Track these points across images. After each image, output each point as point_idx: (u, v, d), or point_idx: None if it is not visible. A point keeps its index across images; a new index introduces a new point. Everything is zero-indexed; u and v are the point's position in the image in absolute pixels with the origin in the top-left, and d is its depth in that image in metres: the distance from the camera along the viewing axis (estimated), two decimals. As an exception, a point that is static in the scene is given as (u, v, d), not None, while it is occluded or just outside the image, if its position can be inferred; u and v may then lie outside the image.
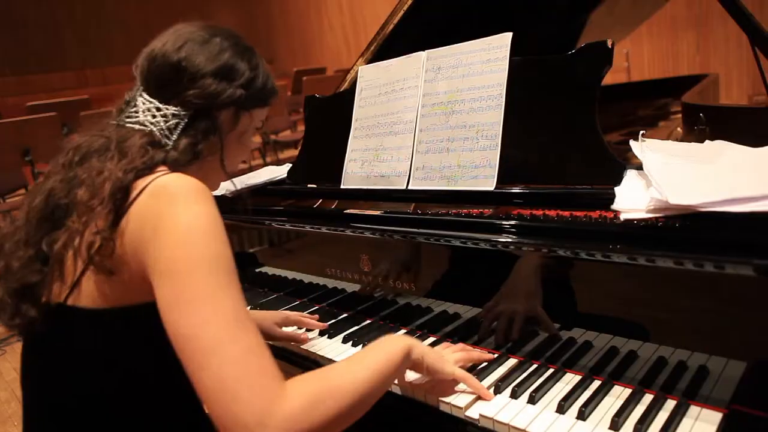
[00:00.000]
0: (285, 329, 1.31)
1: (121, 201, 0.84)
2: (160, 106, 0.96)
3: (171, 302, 0.77)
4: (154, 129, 0.94)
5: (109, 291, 0.85)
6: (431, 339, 1.18)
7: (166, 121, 0.95)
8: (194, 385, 0.74)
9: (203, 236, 0.79)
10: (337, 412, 0.75)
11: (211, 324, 0.74)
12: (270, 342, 1.27)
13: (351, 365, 0.84)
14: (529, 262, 1.02)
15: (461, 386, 0.98)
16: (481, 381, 0.98)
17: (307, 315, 1.36)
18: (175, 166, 0.92)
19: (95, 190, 0.86)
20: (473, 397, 0.95)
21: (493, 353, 1.07)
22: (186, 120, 0.96)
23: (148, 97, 0.97)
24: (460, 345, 1.08)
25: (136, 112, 0.96)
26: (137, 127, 0.95)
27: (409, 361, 0.93)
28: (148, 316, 0.80)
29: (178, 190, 0.83)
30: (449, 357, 1.00)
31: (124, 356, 0.89)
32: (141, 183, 0.86)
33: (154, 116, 0.95)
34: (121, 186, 0.85)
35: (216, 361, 0.72)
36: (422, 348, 0.95)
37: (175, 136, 0.95)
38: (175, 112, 0.95)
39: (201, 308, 0.75)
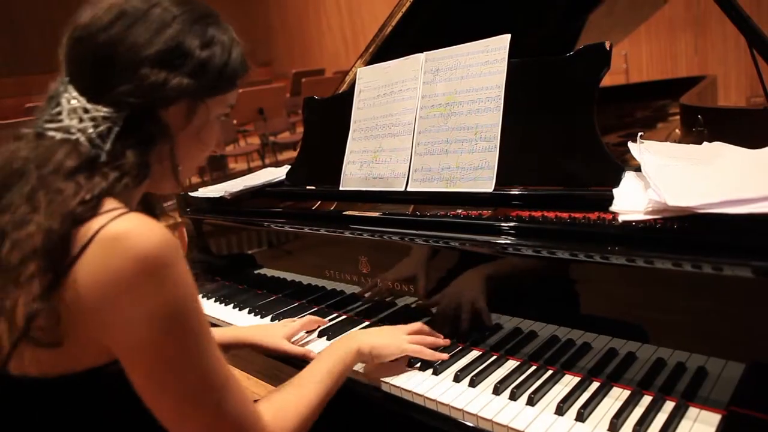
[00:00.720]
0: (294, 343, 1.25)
1: (59, 259, 0.66)
2: (88, 106, 0.73)
3: (155, 384, 0.71)
4: (81, 137, 0.72)
5: (54, 356, 0.69)
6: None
7: (95, 126, 0.73)
8: None
9: (181, 314, 0.69)
10: (307, 422, 0.87)
11: (205, 394, 0.73)
12: (275, 356, 1.25)
13: (313, 379, 0.93)
14: (527, 263, 1.01)
15: (459, 388, 0.98)
16: (480, 382, 0.99)
17: (307, 319, 1.31)
18: (124, 195, 0.74)
19: (22, 249, 0.66)
20: (472, 398, 0.95)
21: (493, 354, 1.07)
22: (120, 124, 0.73)
23: (74, 93, 0.74)
24: (418, 325, 1.13)
25: (60, 113, 0.74)
26: (59, 135, 0.73)
27: (360, 358, 1.04)
28: (108, 381, 0.72)
29: (145, 252, 0.66)
30: (399, 334, 1.09)
31: (91, 427, 0.76)
32: (84, 231, 0.67)
33: (81, 119, 0.73)
34: (57, 240, 0.66)
35: (216, 426, 0.74)
36: (369, 344, 1.05)
37: (108, 146, 0.73)
38: (107, 114, 0.73)
39: (191, 384, 0.72)
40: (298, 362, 1.24)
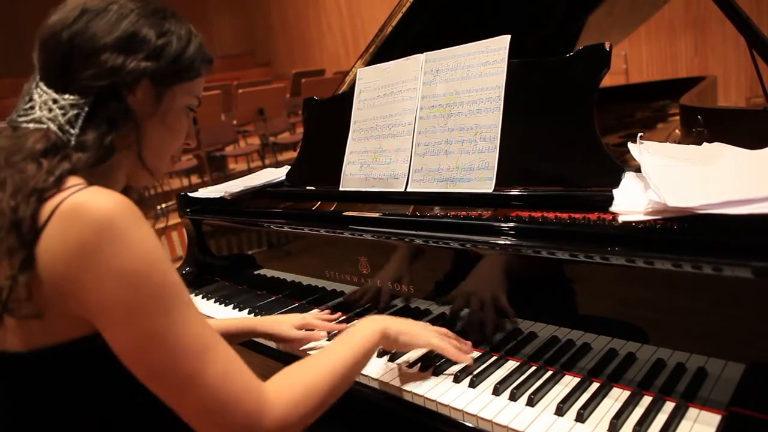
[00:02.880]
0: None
1: (27, 235, 0.70)
2: (57, 96, 0.80)
3: (131, 346, 0.71)
4: (52, 125, 0.78)
5: (38, 329, 0.73)
6: (430, 341, 1.17)
7: (64, 114, 0.79)
8: (177, 412, 0.72)
9: (146, 270, 0.70)
10: (321, 402, 0.82)
11: (182, 357, 0.71)
12: (282, 347, 1.28)
13: (329, 356, 0.89)
14: (527, 263, 1.01)
15: (459, 389, 0.98)
16: (480, 383, 0.99)
17: (325, 315, 1.32)
18: (86, 171, 0.77)
19: None
20: (472, 399, 0.95)
21: (492, 355, 1.07)
22: (87, 108, 0.79)
23: (44, 88, 0.81)
24: (444, 330, 1.08)
25: (32, 107, 0.81)
26: (32, 126, 0.79)
27: (385, 342, 1.00)
28: (94, 350, 0.73)
29: (100, 216, 0.69)
30: (428, 329, 1.05)
31: (78, 399, 0.78)
32: (49, 206, 0.71)
33: (51, 110, 0.79)
34: (23, 217, 0.70)
35: (196, 392, 0.71)
36: (397, 329, 1.01)
37: (76, 130, 0.78)
38: (74, 102, 0.79)
39: (167, 345, 0.70)
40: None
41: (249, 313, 1.48)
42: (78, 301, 0.70)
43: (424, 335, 1.03)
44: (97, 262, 0.69)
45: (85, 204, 0.70)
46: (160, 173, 0.94)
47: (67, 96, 0.79)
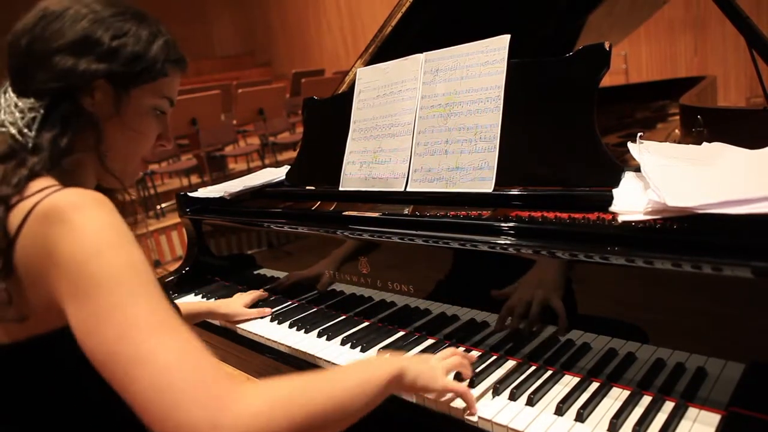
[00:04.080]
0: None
1: (1, 243, 0.71)
2: (17, 100, 0.81)
3: (87, 326, 0.69)
4: (12, 129, 0.80)
5: (26, 322, 0.75)
6: (430, 341, 1.17)
7: (23, 117, 0.80)
8: (129, 402, 0.65)
9: (106, 247, 0.70)
10: (302, 422, 0.68)
11: (132, 335, 0.66)
12: (243, 326, 1.41)
13: (332, 380, 0.78)
14: (526, 264, 1.02)
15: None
16: (480, 383, 0.99)
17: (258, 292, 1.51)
18: (55, 173, 0.78)
19: None
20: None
21: (492, 355, 1.07)
22: (42, 111, 0.81)
23: (10, 92, 0.83)
24: (450, 350, 1.00)
25: None
26: None
27: (399, 385, 0.86)
28: (65, 341, 0.71)
29: (65, 206, 0.71)
30: (440, 368, 0.94)
31: (48, 389, 0.78)
32: (20, 210, 0.72)
33: (12, 113, 0.81)
34: None
35: (146, 371, 0.64)
36: (416, 371, 0.89)
37: (33, 133, 0.80)
38: (31, 105, 0.81)
39: (118, 321, 0.67)
40: (299, 362, 1.24)
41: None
42: (49, 291, 0.71)
43: (440, 380, 0.92)
44: (59, 245, 0.70)
45: (58, 203, 0.72)
46: (129, 176, 0.93)
47: (25, 100, 0.81)
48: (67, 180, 0.79)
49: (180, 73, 0.93)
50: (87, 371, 0.71)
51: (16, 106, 0.81)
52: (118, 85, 0.84)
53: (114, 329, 0.67)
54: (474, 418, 0.92)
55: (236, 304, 1.45)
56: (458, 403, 0.94)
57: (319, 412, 0.70)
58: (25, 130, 0.80)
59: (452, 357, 0.98)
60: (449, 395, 0.96)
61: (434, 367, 0.93)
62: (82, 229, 0.70)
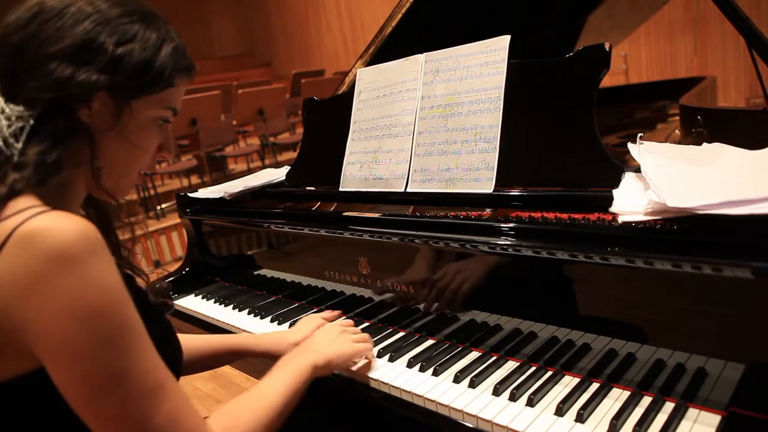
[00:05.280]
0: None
1: None
2: (4, 105, 0.73)
3: (79, 388, 0.67)
4: None
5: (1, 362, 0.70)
6: (430, 341, 1.17)
7: (9, 125, 0.72)
8: None
9: (105, 309, 0.66)
10: None
11: (134, 401, 0.68)
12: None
13: (268, 395, 0.90)
14: (526, 264, 1.02)
15: (458, 389, 0.98)
16: (480, 383, 0.99)
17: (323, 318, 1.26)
18: (36, 191, 0.70)
19: None
20: (472, 399, 0.95)
21: (492, 355, 1.07)
22: (32, 121, 0.72)
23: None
24: (349, 323, 1.19)
25: None
26: None
27: (316, 372, 1.00)
28: (40, 384, 0.69)
29: (56, 245, 0.63)
30: (348, 342, 1.09)
31: None
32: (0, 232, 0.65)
33: None
34: None
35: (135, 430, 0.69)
36: (325, 356, 1.02)
37: (20, 144, 0.71)
38: (20, 113, 0.72)
39: (120, 390, 0.67)
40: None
41: (249, 313, 1.48)
42: (25, 333, 0.65)
43: (347, 350, 1.07)
44: (47, 295, 0.63)
45: (42, 231, 0.64)
46: (122, 191, 0.86)
47: (13, 106, 0.72)
48: (52, 198, 0.71)
49: (188, 81, 0.85)
50: (54, 419, 0.72)
51: (2, 111, 0.72)
52: (119, 97, 0.76)
53: (117, 396, 0.67)
54: (473, 418, 0.92)
55: (285, 344, 1.15)
56: (458, 404, 0.94)
57: (270, 423, 0.86)
58: (11, 140, 0.71)
59: (352, 332, 1.14)
60: (450, 396, 0.97)
61: (342, 342, 1.08)
62: (89, 281, 0.65)
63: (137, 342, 0.69)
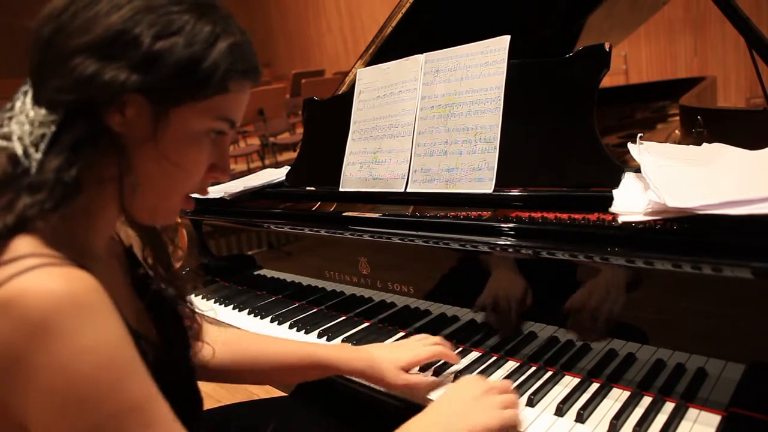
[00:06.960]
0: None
1: None
2: (29, 108, 0.63)
3: None
4: (17, 146, 0.61)
5: None
6: (430, 342, 1.17)
7: (31, 132, 0.61)
8: None
9: (89, 389, 0.55)
10: None
11: None
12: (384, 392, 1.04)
13: None
14: (526, 263, 1.01)
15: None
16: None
17: (436, 349, 1.02)
18: (48, 224, 0.58)
19: None
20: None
21: (492, 356, 1.07)
22: (53, 127, 0.61)
23: (30, 96, 0.64)
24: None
25: (11, 117, 0.63)
26: (1, 143, 0.62)
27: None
28: None
29: (36, 313, 0.53)
30: (494, 407, 0.83)
31: None
32: None
33: (22, 124, 0.62)
34: None
35: None
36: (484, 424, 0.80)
37: (39, 155, 0.60)
38: (43, 118, 0.61)
39: None
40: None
41: (249, 313, 1.48)
42: (9, 408, 0.56)
43: (495, 423, 0.81)
44: (29, 377, 0.53)
45: (21, 295, 0.53)
46: (162, 216, 0.72)
47: (38, 109, 0.62)
48: (68, 231, 0.61)
49: (250, 87, 0.72)
50: None
51: (27, 114, 0.62)
52: (156, 102, 0.63)
53: None
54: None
55: (389, 368, 0.97)
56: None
57: None
58: (31, 150, 0.60)
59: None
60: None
61: (483, 416, 0.81)
62: (74, 356, 0.54)
63: (140, 418, 0.58)
